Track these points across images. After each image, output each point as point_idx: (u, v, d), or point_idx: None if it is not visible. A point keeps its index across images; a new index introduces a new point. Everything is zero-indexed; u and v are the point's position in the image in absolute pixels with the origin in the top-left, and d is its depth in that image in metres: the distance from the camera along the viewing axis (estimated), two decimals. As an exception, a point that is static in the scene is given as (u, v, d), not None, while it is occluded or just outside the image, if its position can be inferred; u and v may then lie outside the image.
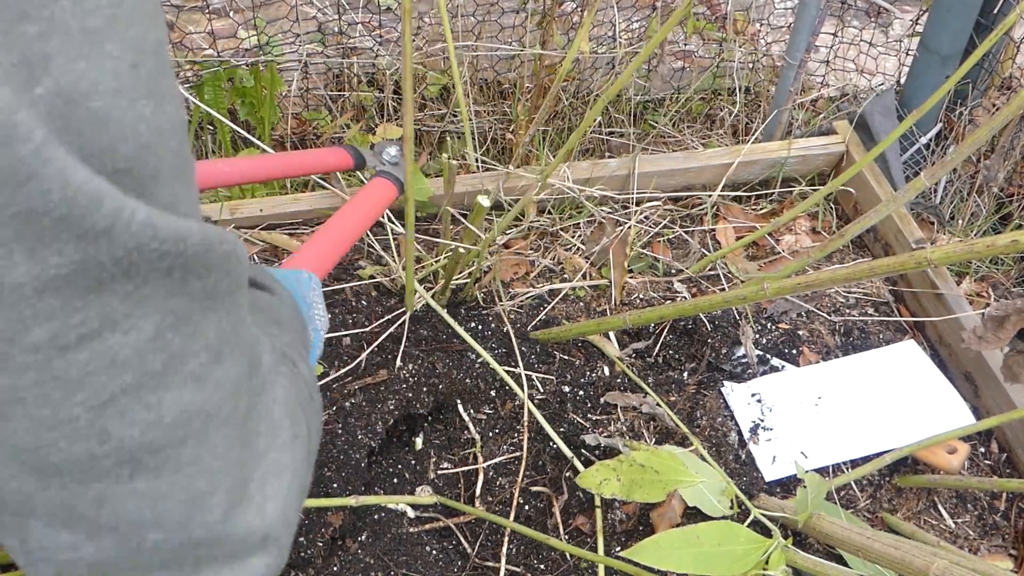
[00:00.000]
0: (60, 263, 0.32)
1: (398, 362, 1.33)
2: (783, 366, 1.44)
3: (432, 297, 1.41)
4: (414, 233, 1.55)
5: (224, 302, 0.40)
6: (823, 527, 1.07)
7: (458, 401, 1.34)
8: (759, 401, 1.37)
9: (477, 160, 1.57)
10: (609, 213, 1.61)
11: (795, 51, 1.64)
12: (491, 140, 1.78)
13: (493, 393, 1.35)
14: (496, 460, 1.28)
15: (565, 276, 1.53)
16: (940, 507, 1.32)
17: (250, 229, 1.52)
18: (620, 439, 1.26)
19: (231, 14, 1.91)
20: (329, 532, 1.18)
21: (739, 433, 1.34)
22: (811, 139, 1.70)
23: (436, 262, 1.47)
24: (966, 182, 1.73)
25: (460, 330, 1.37)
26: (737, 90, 1.86)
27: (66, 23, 0.31)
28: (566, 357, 1.40)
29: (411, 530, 1.22)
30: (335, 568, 1.16)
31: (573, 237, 1.59)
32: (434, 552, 1.20)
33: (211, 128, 1.74)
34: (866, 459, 1.31)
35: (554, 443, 1.27)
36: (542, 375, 1.36)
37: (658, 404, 1.31)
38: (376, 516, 1.22)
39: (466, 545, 1.22)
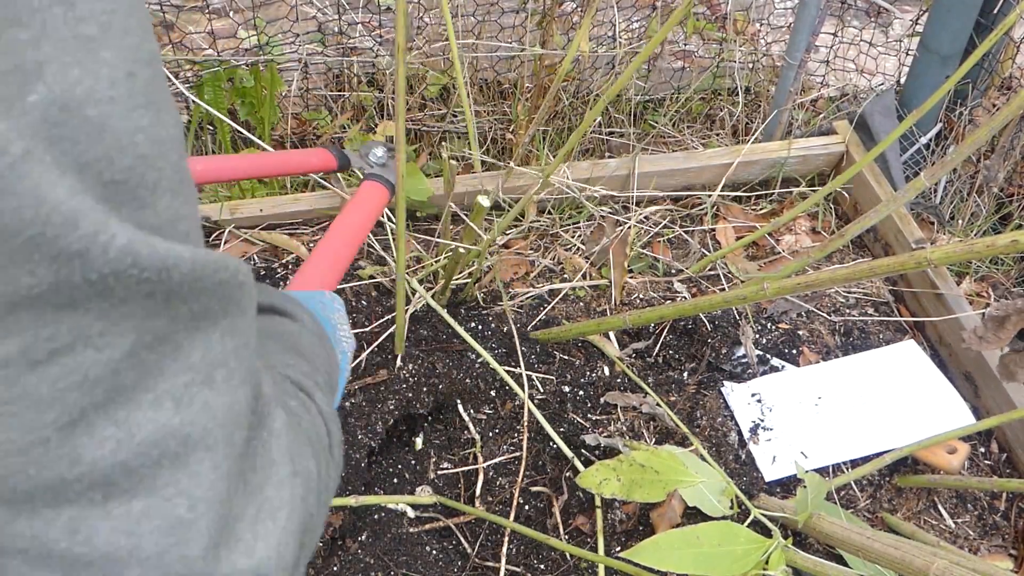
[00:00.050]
0: (32, 283, 0.31)
1: (398, 362, 1.33)
2: (783, 366, 1.44)
3: (432, 297, 1.41)
4: (415, 233, 1.56)
5: (216, 326, 0.38)
6: (823, 527, 1.07)
7: (458, 401, 1.34)
8: (759, 401, 1.38)
9: (479, 159, 1.57)
10: (609, 213, 1.61)
11: (795, 51, 1.64)
12: (491, 140, 1.78)
13: (493, 393, 1.35)
14: (496, 460, 1.28)
15: (565, 276, 1.53)
16: (940, 507, 1.32)
17: (250, 229, 1.52)
18: (620, 439, 1.26)
19: (231, 14, 1.91)
20: (329, 532, 1.18)
21: (739, 433, 1.34)
22: (811, 139, 1.70)
23: (436, 262, 1.47)
24: (966, 182, 1.73)
25: (460, 330, 1.37)
26: (737, 90, 1.86)
27: (58, 30, 0.31)
28: (566, 357, 1.40)
29: (411, 530, 1.22)
30: (335, 568, 1.16)
31: (573, 237, 1.59)
32: (434, 552, 1.20)
33: (211, 128, 1.74)
34: (866, 459, 1.31)
35: (554, 443, 1.27)
36: (542, 375, 1.36)
37: (658, 404, 1.31)
38: (376, 516, 1.22)
39: (466, 545, 1.22)
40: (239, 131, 1.61)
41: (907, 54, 1.81)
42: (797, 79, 1.67)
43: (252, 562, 0.41)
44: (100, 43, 0.32)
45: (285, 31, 1.76)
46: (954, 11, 1.60)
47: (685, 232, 1.63)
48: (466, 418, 1.32)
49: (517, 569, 1.20)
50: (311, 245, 1.53)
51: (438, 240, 1.47)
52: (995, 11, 1.60)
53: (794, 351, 1.46)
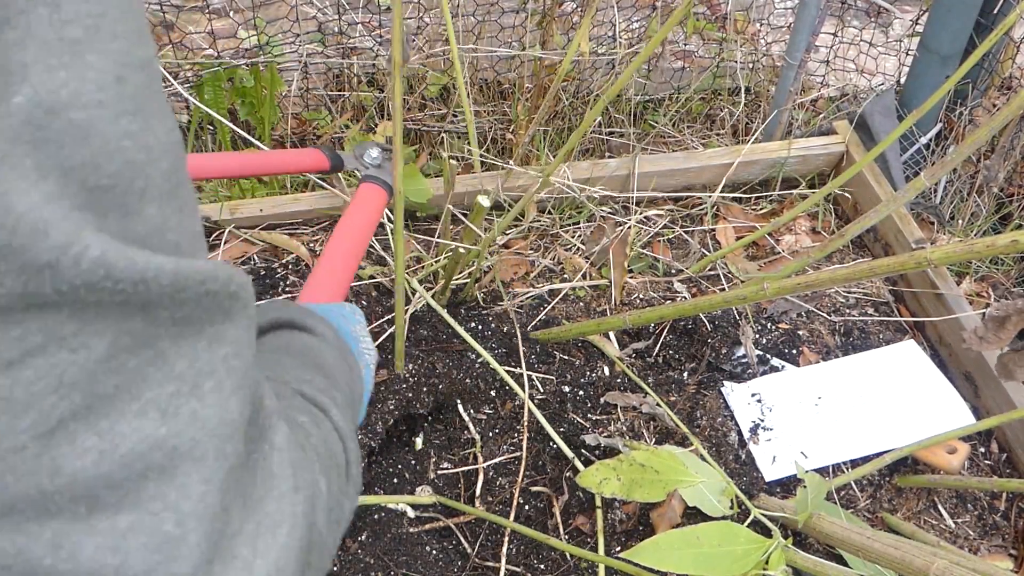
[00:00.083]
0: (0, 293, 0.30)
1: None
2: (783, 366, 1.44)
3: (432, 297, 1.41)
4: (415, 233, 1.56)
5: (202, 334, 0.37)
6: (823, 527, 1.07)
7: (458, 401, 1.34)
8: (759, 401, 1.38)
9: (479, 161, 1.57)
10: (609, 213, 1.61)
11: (795, 51, 1.64)
12: (491, 140, 1.78)
13: (493, 393, 1.35)
14: (496, 460, 1.28)
15: (565, 276, 1.53)
16: (940, 507, 1.32)
17: (250, 229, 1.52)
18: (620, 439, 1.26)
19: (231, 14, 1.91)
20: (329, 532, 1.18)
21: (739, 433, 1.34)
22: (811, 139, 1.70)
23: (436, 262, 1.47)
24: (966, 182, 1.73)
25: (460, 330, 1.37)
26: (738, 90, 1.86)
27: (43, 32, 0.31)
28: (566, 357, 1.40)
29: (411, 530, 1.22)
30: (335, 568, 1.16)
31: (573, 237, 1.59)
32: (434, 552, 1.20)
33: (211, 128, 1.74)
34: (866, 459, 1.31)
35: (554, 443, 1.27)
36: (542, 375, 1.36)
37: (658, 404, 1.31)
38: (376, 516, 1.22)
39: (466, 545, 1.22)
40: (239, 131, 1.61)
41: (907, 54, 1.81)
42: (797, 79, 1.67)
43: None
44: (86, 46, 0.32)
45: (285, 31, 1.76)
46: (954, 11, 1.60)
47: (685, 232, 1.63)
48: (466, 418, 1.32)
49: (517, 569, 1.20)
50: (311, 245, 1.53)
51: (438, 240, 1.47)
52: (995, 11, 1.60)
53: (794, 351, 1.46)
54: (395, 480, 1.28)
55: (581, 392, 1.36)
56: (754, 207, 1.71)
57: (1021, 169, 1.72)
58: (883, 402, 1.39)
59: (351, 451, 0.55)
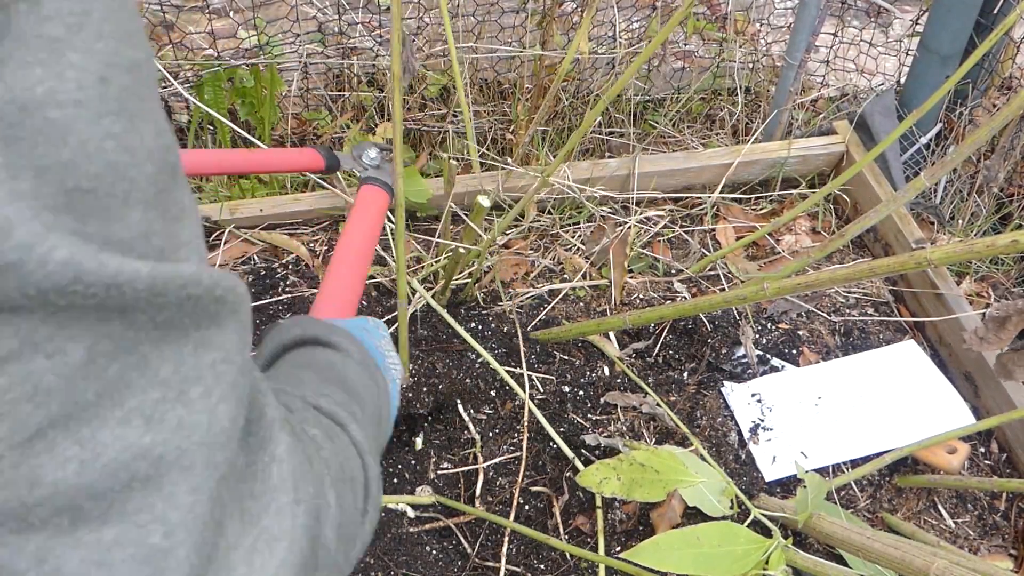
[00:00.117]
0: None
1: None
2: (783, 366, 1.44)
3: (432, 297, 1.41)
4: (415, 233, 1.56)
5: (187, 338, 0.35)
6: (823, 527, 1.07)
7: (458, 401, 1.34)
8: (759, 401, 1.38)
9: (478, 161, 1.57)
10: (609, 213, 1.61)
11: (795, 51, 1.64)
12: (491, 140, 1.78)
13: (493, 393, 1.35)
14: (496, 460, 1.28)
15: (565, 276, 1.53)
16: (940, 507, 1.32)
17: (250, 229, 1.52)
18: (620, 439, 1.26)
19: (231, 14, 1.91)
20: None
21: (739, 433, 1.34)
22: (811, 139, 1.70)
23: (436, 262, 1.47)
24: (966, 182, 1.73)
25: (460, 330, 1.37)
26: (737, 90, 1.86)
27: (20, 27, 0.30)
28: (566, 357, 1.40)
29: (411, 530, 1.22)
30: (335, 568, 1.16)
31: (573, 237, 1.59)
32: (434, 552, 1.20)
33: (211, 128, 1.74)
34: (866, 459, 1.31)
35: (554, 443, 1.27)
36: (542, 375, 1.36)
37: (658, 404, 1.31)
38: (376, 516, 1.21)
39: (466, 545, 1.22)
40: (239, 131, 1.61)
41: (907, 54, 1.81)
42: (797, 79, 1.67)
43: None
44: (67, 44, 0.31)
45: (285, 31, 1.76)
46: (954, 11, 1.60)
47: (685, 232, 1.63)
48: (466, 418, 1.32)
49: (517, 569, 1.20)
50: (311, 245, 1.53)
51: (438, 240, 1.47)
52: (995, 11, 1.60)
53: (794, 351, 1.46)
54: (395, 480, 1.28)
55: (581, 392, 1.36)
56: (754, 207, 1.71)
57: (1021, 169, 1.72)
58: (883, 402, 1.39)
59: (370, 466, 0.53)
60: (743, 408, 1.37)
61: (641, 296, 1.51)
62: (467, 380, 1.34)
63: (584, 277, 1.52)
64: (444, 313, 1.39)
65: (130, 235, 0.33)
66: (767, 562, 0.98)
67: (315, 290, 1.46)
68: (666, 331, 1.46)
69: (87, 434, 0.33)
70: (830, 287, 1.52)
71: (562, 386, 1.36)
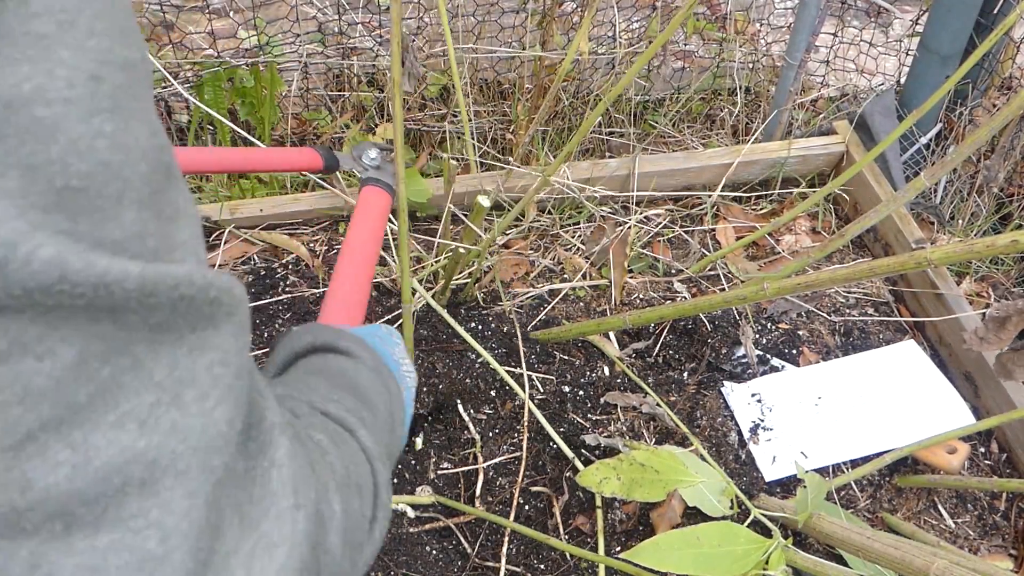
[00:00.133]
0: None
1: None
2: (783, 366, 1.44)
3: (432, 297, 1.41)
4: (415, 233, 1.56)
5: (182, 340, 0.35)
6: (823, 527, 1.07)
7: (458, 401, 1.34)
8: (759, 401, 1.38)
9: (477, 162, 1.57)
10: (609, 213, 1.61)
11: (795, 51, 1.64)
12: (491, 140, 1.78)
13: (493, 393, 1.35)
14: (496, 460, 1.28)
15: (565, 276, 1.53)
16: (940, 507, 1.32)
17: (250, 229, 1.52)
18: (620, 439, 1.26)
19: (231, 14, 1.91)
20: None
21: (739, 433, 1.34)
22: (811, 139, 1.70)
23: (436, 262, 1.47)
24: (966, 182, 1.73)
25: (460, 330, 1.37)
26: (737, 90, 1.86)
27: (8, 24, 0.30)
28: (566, 357, 1.40)
29: (411, 530, 1.22)
30: (335, 568, 1.16)
31: (573, 237, 1.59)
32: (434, 552, 1.20)
33: (211, 128, 1.74)
34: (866, 459, 1.31)
35: (554, 443, 1.27)
36: (542, 375, 1.36)
37: (658, 404, 1.31)
38: (376, 516, 1.21)
39: (466, 545, 1.22)
40: (239, 131, 1.61)
41: (907, 54, 1.81)
42: (797, 79, 1.67)
43: None
44: (56, 41, 0.31)
45: (285, 31, 1.76)
46: (954, 11, 1.60)
47: (685, 232, 1.63)
48: (466, 418, 1.32)
49: (517, 569, 1.20)
50: (311, 245, 1.53)
51: (438, 240, 1.47)
52: (995, 11, 1.60)
53: (794, 351, 1.46)
54: (395, 480, 1.28)
55: (581, 392, 1.36)
56: (754, 207, 1.71)
57: (1021, 169, 1.72)
58: (883, 402, 1.39)
59: (379, 472, 0.52)
60: (743, 408, 1.37)
61: (641, 296, 1.51)
62: (467, 380, 1.34)
63: (584, 277, 1.52)
64: (444, 313, 1.39)
65: (123, 235, 0.33)
66: (767, 562, 0.98)
67: (315, 290, 1.46)
68: (666, 331, 1.46)
69: (79, 437, 0.32)
70: (830, 287, 1.52)
71: (562, 386, 1.36)
